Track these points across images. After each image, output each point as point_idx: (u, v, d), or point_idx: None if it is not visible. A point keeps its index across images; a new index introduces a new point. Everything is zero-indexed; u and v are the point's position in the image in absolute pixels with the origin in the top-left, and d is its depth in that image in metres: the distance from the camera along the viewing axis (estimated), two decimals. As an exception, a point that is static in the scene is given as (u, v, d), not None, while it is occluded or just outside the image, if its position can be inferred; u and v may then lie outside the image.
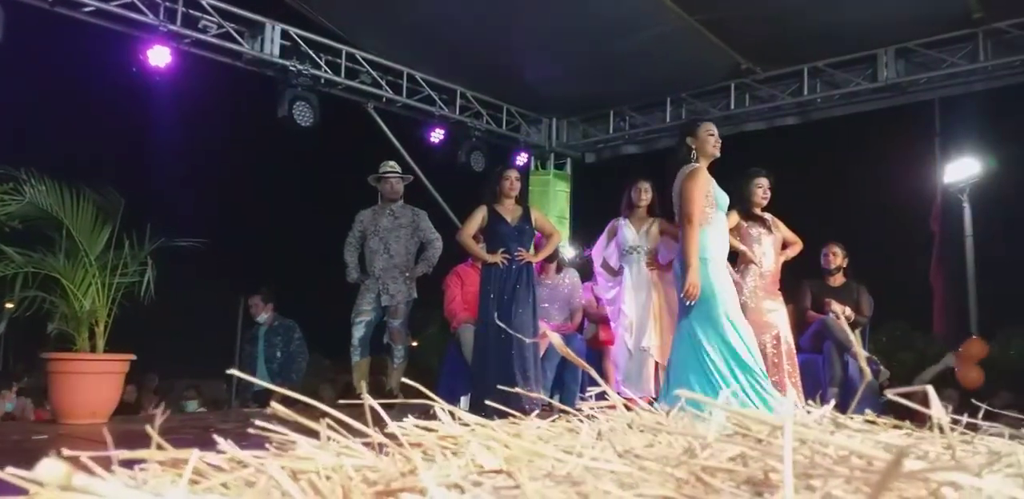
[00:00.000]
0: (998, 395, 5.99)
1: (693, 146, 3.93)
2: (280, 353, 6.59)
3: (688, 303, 3.83)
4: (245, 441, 0.83)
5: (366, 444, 0.76)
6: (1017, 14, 6.28)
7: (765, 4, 6.21)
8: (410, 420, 0.84)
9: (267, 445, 0.77)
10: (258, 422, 0.75)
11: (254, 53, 6.60)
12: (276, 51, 6.68)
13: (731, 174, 5.08)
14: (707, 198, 3.83)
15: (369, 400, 0.78)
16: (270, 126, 7.11)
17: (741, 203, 4.78)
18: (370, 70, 7.37)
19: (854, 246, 5.80)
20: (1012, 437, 0.88)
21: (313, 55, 6.95)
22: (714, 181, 3.92)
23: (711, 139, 3.92)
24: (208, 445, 0.76)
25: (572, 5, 6.45)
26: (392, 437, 0.81)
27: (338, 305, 5.60)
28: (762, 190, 4.79)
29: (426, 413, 0.95)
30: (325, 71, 7.05)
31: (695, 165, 3.87)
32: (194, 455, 0.61)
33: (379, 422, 0.84)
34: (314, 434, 0.78)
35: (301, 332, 6.74)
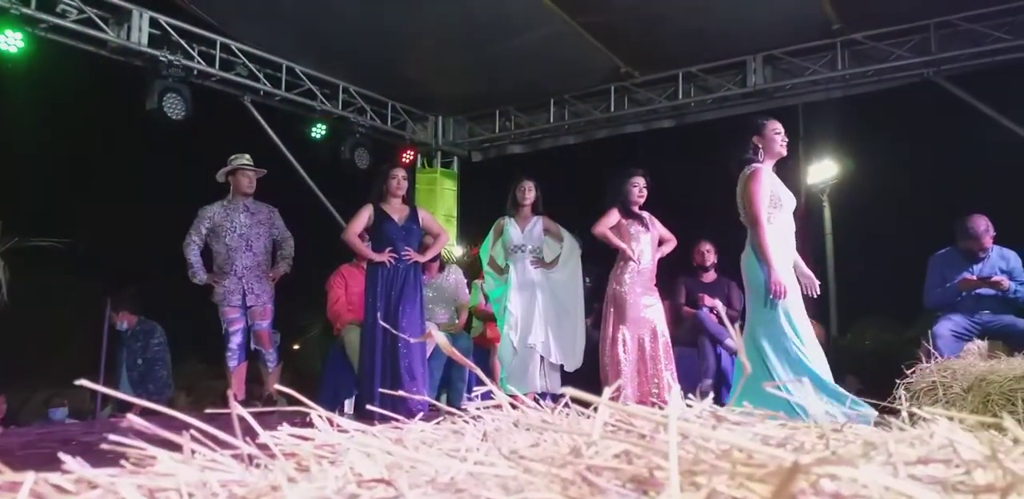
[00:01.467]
0: (846, 380, 6.40)
1: (760, 145, 3.79)
2: (140, 360, 6.19)
3: (763, 304, 3.66)
4: (100, 457, 0.75)
5: (235, 457, 0.70)
6: (871, 27, 6.75)
7: (642, 9, 6.39)
8: (284, 429, 0.79)
9: (123, 461, 0.70)
10: (112, 436, 0.68)
11: (120, 42, 6.20)
12: (144, 40, 6.31)
13: (609, 174, 5.22)
14: (771, 198, 3.70)
15: (238, 408, 0.73)
16: (139, 119, 6.72)
17: (619, 201, 4.91)
18: (247, 62, 7.08)
19: (726, 243, 6.07)
20: (876, 424, 0.92)
21: (185, 45, 6.60)
22: (779, 180, 3.81)
23: (778, 138, 3.80)
24: (58, 462, 0.69)
25: (456, 4, 6.42)
26: (264, 448, 0.75)
27: (208, 306, 5.34)
28: (637, 189, 4.92)
29: (305, 421, 0.90)
30: (198, 62, 6.72)
31: (756, 165, 3.73)
32: (29, 478, 0.55)
33: (251, 432, 0.79)
34: (179, 448, 0.71)
35: (164, 336, 6.36)
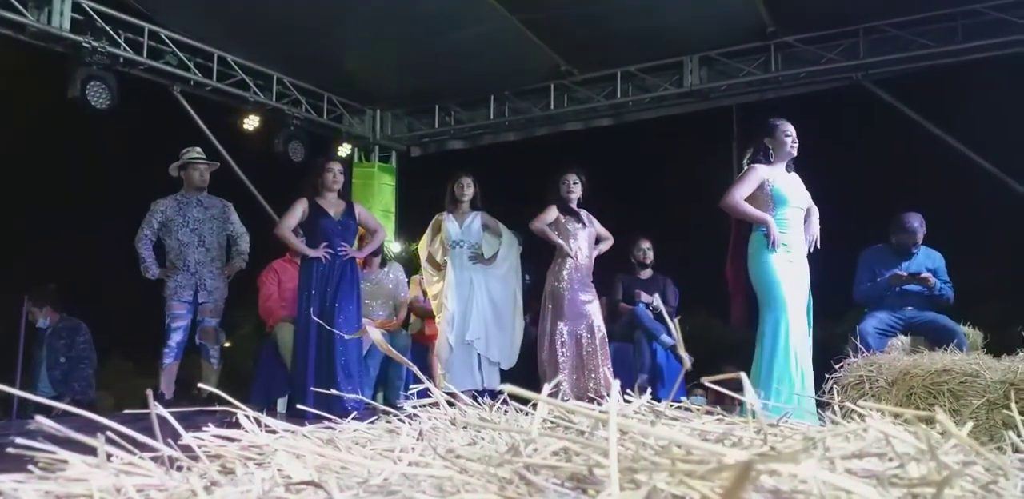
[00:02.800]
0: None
1: (771, 146, 3.91)
2: (64, 358, 5.95)
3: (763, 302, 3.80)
4: (6, 462, 0.70)
5: (155, 459, 0.66)
6: (804, 30, 6.92)
7: (582, 8, 6.42)
8: (209, 429, 0.75)
9: (31, 466, 0.65)
10: (18, 440, 0.64)
11: (40, 26, 5.91)
12: (66, 25, 6.03)
13: (548, 171, 5.25)
14: (767, 196, 3.83)
15: (159, 408, 0.69)
16: (60, 107, 6.43)
17: (556, 198, 4.95)
18: (176, 51, 6.85)
19: (661, 241, 6.17)
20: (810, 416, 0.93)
21: (111, 31, 6.35)
22: (789, 181, 3.91)
23: (788, 140, 3.90)
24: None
25: (396, -4, 6.34)
26: (187, 450, 0.72)
27: (139, 303, 5.16)
28: (566, 186, 4.96)
29: (233, 421, 0.86)
30: (125, 49, 6.46)
31: (754, 165, 3.90)
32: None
33: (175, 434, 0.75)
34: (94, 451, 0.67)
35: (89, 334, 6.12)
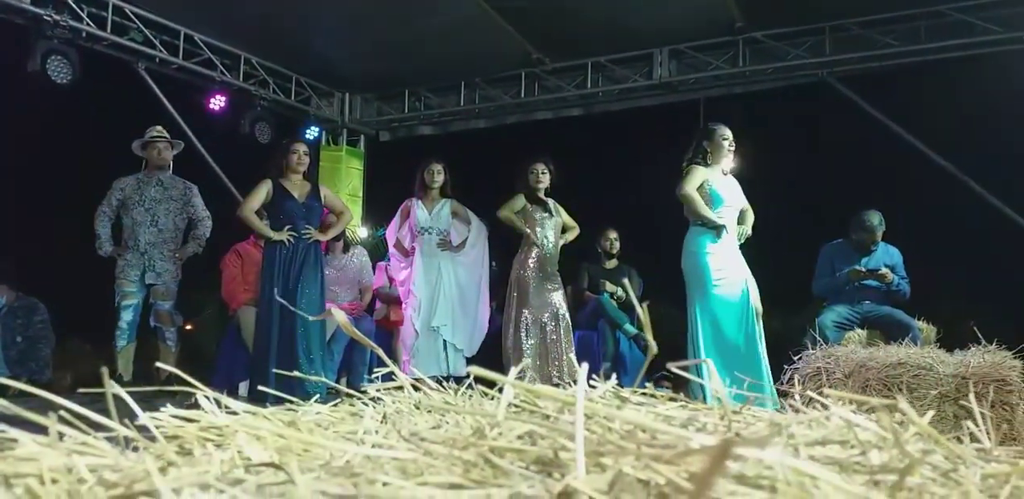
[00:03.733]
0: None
1: (709, 149, 4.19)
2: (20, 338, 5.82)
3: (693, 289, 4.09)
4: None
5: (109, 439, 0.65)
6: (772, 26, 6.98)
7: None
8: (167, 410, 0.73)
9: (-21, 446, 0.63)
10: (-34, 419, 0.62)
11: (-2, -4, 5.74)
12: (26, -4, 5.86)
13: (517, 159, 5.23)
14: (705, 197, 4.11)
15: (115, 387, 0.67)
16: (18, 81, 6.24)
17: (524, 187, 4.96)
18: (142, 27, 6.68)
19: (628, 232, 6.20)
20: (772, 405, 0.93)
21: (73, 5, 6.17)
22: (726, 182, 4.21)
23: (725, 143, 4.20)
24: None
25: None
26: (144, 430, 0.70)
27: (98, 282, 5.05)
28: (535, 175, 4.97)
29: (192, 402, 0.84)
30: (88, 24, 6.29)
31: (693, 166, 4.17)
32: None
33: (132, 415, 0.73)
34: (46, 431, 0.65)
35: (47, 313, 6.00)
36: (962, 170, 6.94)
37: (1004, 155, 7.05)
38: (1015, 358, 3.12)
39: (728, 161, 4.24)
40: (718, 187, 4.15)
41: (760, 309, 4.08)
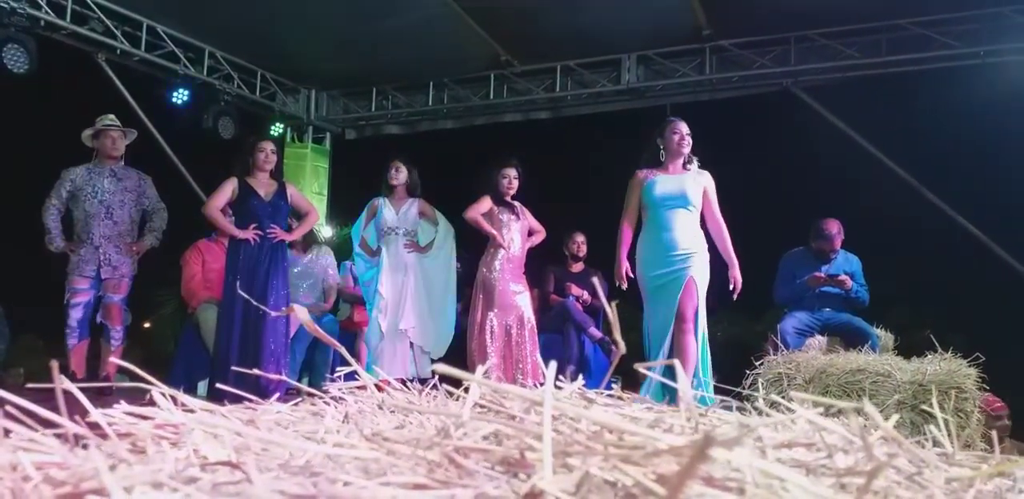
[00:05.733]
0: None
1: (661, 145, 4.11)
2: None
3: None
4: None
5: (58, 436, 0.62)
6: (738, 34, 7.07)
7: (520, -1, 6.40)
8: (121, 407, 0.71)
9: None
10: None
11: (-48, -19, 5.57)
12: (-18, -18, 5.70)
13: (486, 161, 5.21)
14: (642, 199, 4.07)
15: (66, 382, 0.64)
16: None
17: (492, 189, 4.92)
18: (103, 17, 6.53)
19: (594, 235, 6.22)
20: (736, 408, 0.94)
21: (31, -8, 6.02)
22: (666, 178, 4.06)
23: (675, 137, 4.08)
24: None
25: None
26: (96, 428, 0.67)
27: (53, 277, 4.91)
28: (507, 180, 4.94)
29: (148, 400, 0.82)
30: (46, 13, 6.13)
31: (635, 172, 4.13)
32: None
33: (83, 412, 0.70)
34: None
35: (2, 309, 5.83)
36: (917, 179, 7.09)
37: (959, 165, 7.21)
38: (970, 366, 3.19)
39: (683, 156, 4.13)
40: (659, 186, 4.04)
41: (705, 283, 4.02)
